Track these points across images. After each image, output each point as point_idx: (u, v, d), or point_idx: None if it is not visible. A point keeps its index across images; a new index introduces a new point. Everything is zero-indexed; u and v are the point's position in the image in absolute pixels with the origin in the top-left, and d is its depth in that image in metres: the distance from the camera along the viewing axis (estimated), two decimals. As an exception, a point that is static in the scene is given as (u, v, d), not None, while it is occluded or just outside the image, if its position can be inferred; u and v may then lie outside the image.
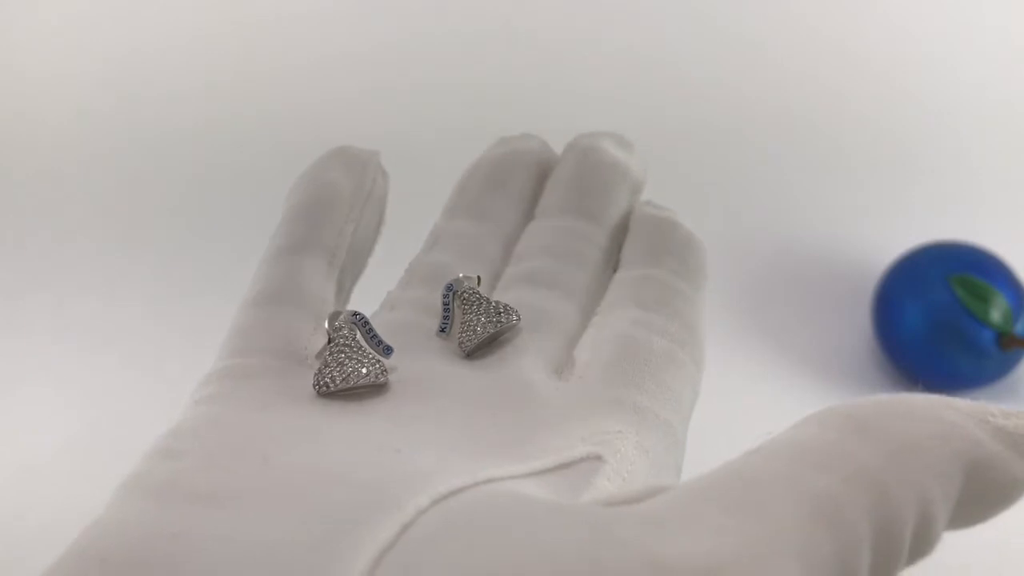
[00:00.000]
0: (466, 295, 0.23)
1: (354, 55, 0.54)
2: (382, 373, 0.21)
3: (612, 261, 0.26)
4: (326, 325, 0.22)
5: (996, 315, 0.39)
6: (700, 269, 0.26)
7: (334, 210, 0.26)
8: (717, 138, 0.53)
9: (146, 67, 0.54)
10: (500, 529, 0.16)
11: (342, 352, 0.21)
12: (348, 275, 0.26)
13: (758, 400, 0.40)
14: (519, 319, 0.23)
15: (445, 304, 0.24)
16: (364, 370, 0.21)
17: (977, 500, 0.17)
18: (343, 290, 0.25)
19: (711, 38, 0.54)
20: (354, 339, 0.22)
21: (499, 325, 0.23)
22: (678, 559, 0.15)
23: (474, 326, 0.23)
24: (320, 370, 0.21)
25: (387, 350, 0.22)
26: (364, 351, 0.22)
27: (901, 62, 0.54)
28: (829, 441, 0.17)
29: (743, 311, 0.45)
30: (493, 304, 0.23)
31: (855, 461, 0.16)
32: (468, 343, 0.23)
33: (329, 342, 0.22)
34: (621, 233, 0.27)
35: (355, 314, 0.22)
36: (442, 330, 0.24)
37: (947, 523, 0.17)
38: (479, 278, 0.24)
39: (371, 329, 0.22)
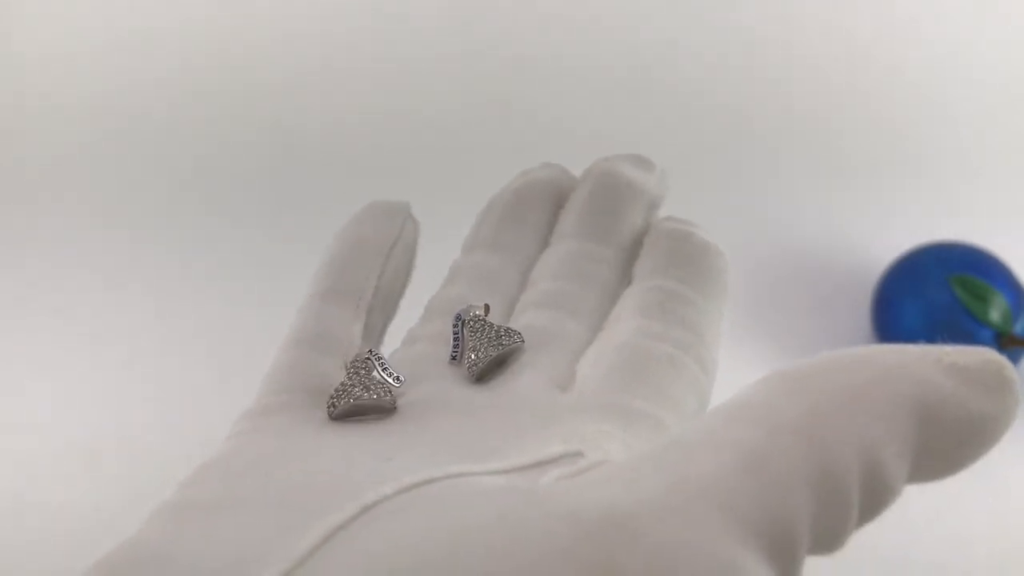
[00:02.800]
0: (472, 323, 0.25)
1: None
2: (387, 394, 0.23)
3: (626, 277, 0.27)
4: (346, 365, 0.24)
5: (995, 315, 0.39)
6: (713, 276, 0.25)
7: (362, 258, 0.27)
8: (717, 138, 0.53)
9: (146, 66, 0.54)
10: (447, 506, 0.17)
11: (351, 378, 0.23)
12: (378, 316, 0.27)
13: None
14: (522, 341, 0.24)
15: (455, 333, 0.25)
16: (369, 391, 0.23)
17: (942, 443, 0.17)
18: (374, 331, 0.27)
19: (711, 38, 0.54)
20: (366, 369, 0.23)
21: (501, 348, 0.24)
22: (592, 509, 0.15)
23: (478, 351, 0.24)
24: (331, 395, 0.23)
25: (398, 379, 0.24)
26: (373, 379, 0.23)
27: (901, 62, 0.54)
28: (760, 399, 0.17)
29: (743, 311, 0.45)
30: (495, 328, 0.24)
31: (783, 413, 0.16)
32: (475, 368, 0.24)
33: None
34: (635, 250, 0.27)
35: (370, 351, 0.24)
36: (453, 358, 0.25)
37: (910, 472, 0.17)
38: (487, 306, 0.25)
39: (384, 362, 0.24)
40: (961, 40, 0.54)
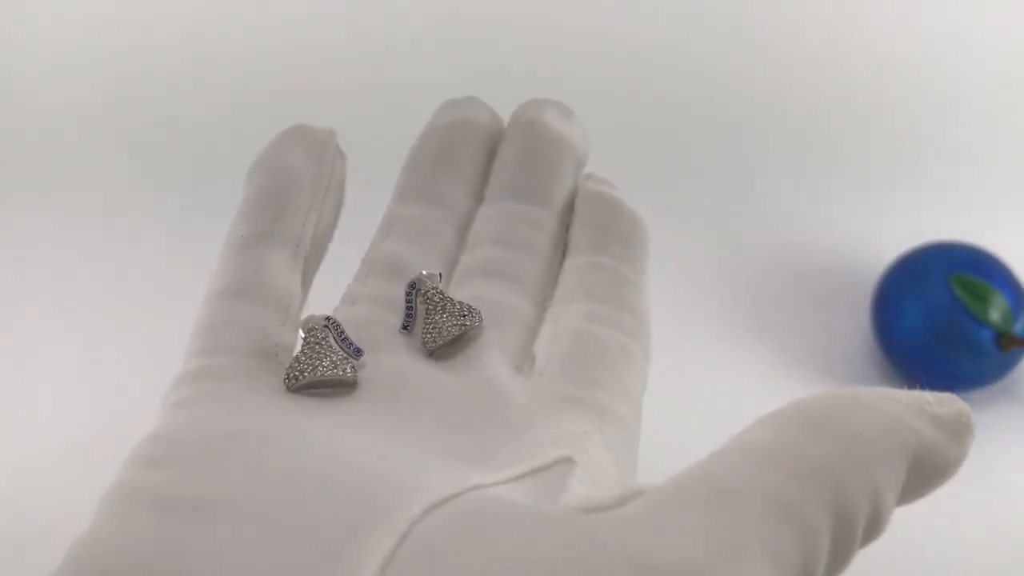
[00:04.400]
0: (430, 294, 0.24)
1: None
2: (350, 368, 0.22)
3: (561, 243, 0.27)
4: (300, 331, 0.23)
5: (995, 315, 0.39)
6: (643, 249, 0.27)
7: (297, 198, 0.25)
8: (716, 137, 0.53)
9: (144, 65, 0.54)
10: (493, 536, 0.17)
11: (311, 349, 0.22)
12: (311, 263, 0.25)
13: (757, 400, 0.40)
14: (481, 320, 0.24)
15: (408, 302, 0.24)
16: (336, 368, 0.22)
17: (918, 483, 0.19)
18: (306, 279, 0.25)
19: (711, 37, 0.54)
20: (325, 339, 0.22)
21: (463, 328, 0.23)
22: (658, 561, 0.16)
23: (439, 327, 0.23)
24: (290, 365, 0.22)
25: (357, 352, 0.23)
26: (333, 348, 0.22)
27: (901, 62, 0.54)
28: (784, 441, 0.18)
29: (743, 311, 0.45)
30: (457, 305, 0.24)
31: (809, 459, 0.17)
32: (432, 343, 0.23)
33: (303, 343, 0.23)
34: (568, 213, 0.28)
35: (327, 318, 0.23)
36: (404, 327, 0.24)
37: (894, 506, 0.18)
38: (440, 275, 0.25)
39: (343, 332, 0.23)
40: (961, 40, 0.54)
